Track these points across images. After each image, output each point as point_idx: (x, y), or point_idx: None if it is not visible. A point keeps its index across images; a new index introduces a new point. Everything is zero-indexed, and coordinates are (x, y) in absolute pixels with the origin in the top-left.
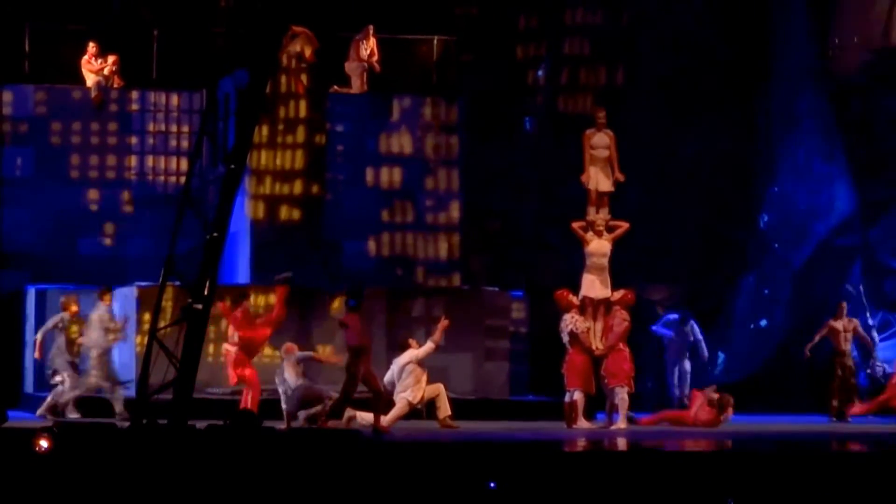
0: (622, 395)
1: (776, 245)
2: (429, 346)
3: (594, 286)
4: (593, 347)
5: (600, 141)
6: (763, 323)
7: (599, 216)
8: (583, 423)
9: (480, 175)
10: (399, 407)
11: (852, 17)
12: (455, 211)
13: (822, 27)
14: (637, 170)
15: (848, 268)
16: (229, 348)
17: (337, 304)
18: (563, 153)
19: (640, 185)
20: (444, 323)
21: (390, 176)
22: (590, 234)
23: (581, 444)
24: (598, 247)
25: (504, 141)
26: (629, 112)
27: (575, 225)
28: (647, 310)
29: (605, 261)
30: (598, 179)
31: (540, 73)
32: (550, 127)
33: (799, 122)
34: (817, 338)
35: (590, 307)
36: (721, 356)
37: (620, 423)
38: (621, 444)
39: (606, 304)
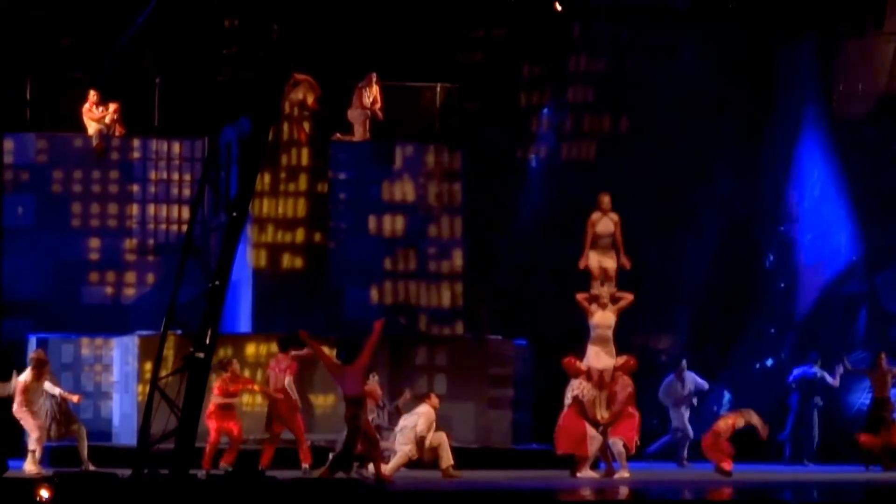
0: (618, 448)
1: (782, 285)
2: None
3: (599, 357)
4: (598, 418)
5: (605, 228)
6: (769, 362)
7: (604, 289)
8: (587, 473)
9: (484, 223)
10: (400, 455)
11: (857, 64)
12: (458, 259)
13: (828, 73)
14: (641, 216)
15: (854, 313)
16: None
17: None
18: (567, 200)
19: (644, 232)
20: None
21: (393, 224)
22: (594, 307)
23: (585, 493)
24: (603, 319)
25: (507, 188)
26: (633, 158)
27: (579, 297)
28: (652, 358)
29: (609, 332)
30: (602, 260)
31: (543, 119)
32: (554, 174)
33: (804, 168)
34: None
35: (595, 376)
36: (727, 395)
37: (623, 472)
38: (623, 492)
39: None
